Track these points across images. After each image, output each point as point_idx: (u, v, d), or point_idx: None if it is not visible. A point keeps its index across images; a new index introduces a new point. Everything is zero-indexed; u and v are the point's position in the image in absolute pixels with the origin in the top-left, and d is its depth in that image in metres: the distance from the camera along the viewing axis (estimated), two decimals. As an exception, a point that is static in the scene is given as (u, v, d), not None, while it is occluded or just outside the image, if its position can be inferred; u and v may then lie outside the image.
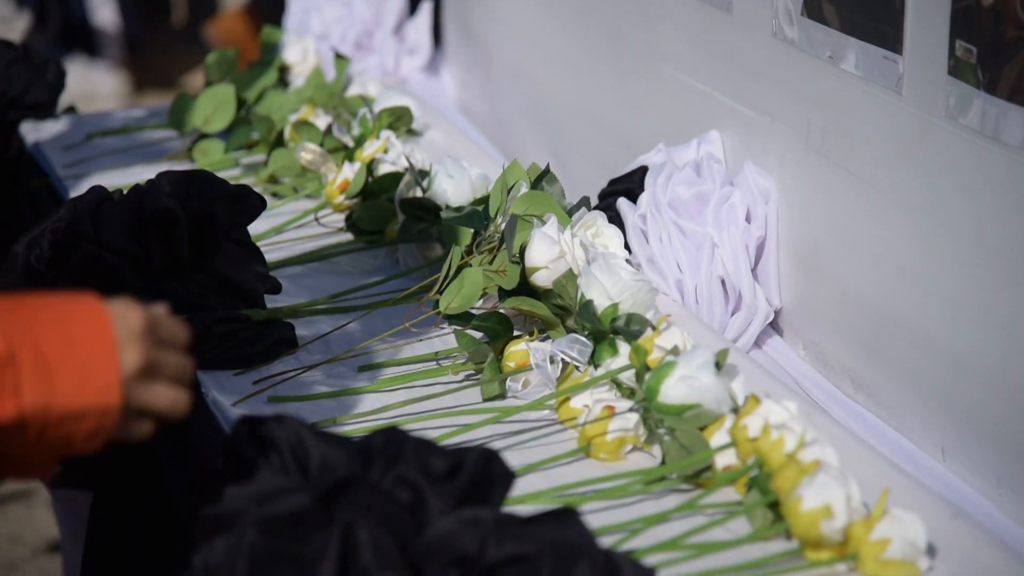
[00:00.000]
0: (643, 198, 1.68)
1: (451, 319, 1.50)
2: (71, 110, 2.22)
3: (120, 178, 1.98)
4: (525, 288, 1.52)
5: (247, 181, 1.93)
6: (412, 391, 1.47)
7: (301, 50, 2.19)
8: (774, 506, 1.22)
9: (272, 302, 1.60)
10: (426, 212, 1.69)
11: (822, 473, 1.18)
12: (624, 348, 1.40)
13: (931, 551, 1.19)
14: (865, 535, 1.17)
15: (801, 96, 1.57)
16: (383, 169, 1.83)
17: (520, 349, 1.47)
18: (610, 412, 1.34)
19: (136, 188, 1.58)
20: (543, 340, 1.48)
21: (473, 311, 1.51)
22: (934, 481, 1.37)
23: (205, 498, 0.95)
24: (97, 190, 1.57)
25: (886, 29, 1.42)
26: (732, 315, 1.64)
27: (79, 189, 1.75)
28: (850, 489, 1.18)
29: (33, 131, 2.15)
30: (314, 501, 0.93)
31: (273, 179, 1.96)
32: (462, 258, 1.53)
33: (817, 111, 1.55)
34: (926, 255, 1.41)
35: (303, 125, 1.95)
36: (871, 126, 1.47)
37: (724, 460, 1.29)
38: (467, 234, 1.60)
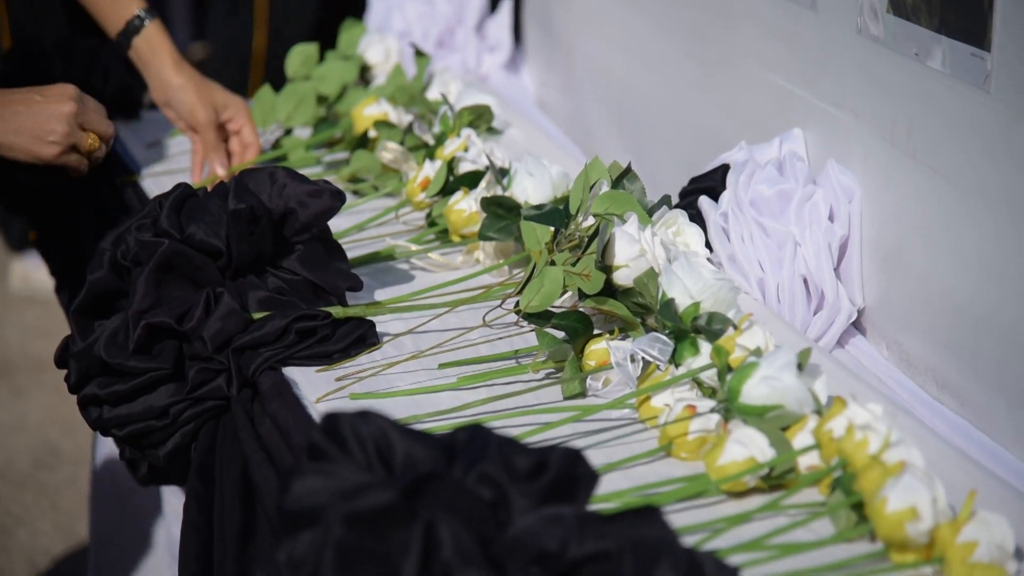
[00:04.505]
0: (725, 196, 1.67)
1: (531, 317, 1.50)
2: (155, 107, 2.24)
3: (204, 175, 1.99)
4: (605, 287, 1.51)
5: (329, 179, 1.94)
6: (492, 389, 1.47)
7: (384, 50, 2.19)
8: (858, 507, 1.21)
9: (353, 299, 1.61)
10: (506, 210, 1.69)
11: (907, 474, 1.17)
12: (705, 347, 1.40)
13: (1019, 554, 1.18)
14: (952, 538, 1.16)
15: (886, 94, 1.56)
16: (464, 167, 1.83)
17: (600, 348, 1.46)
18: (691, 412, 1.33)
19: (219, 185, 1.59)
20: (623, 339, 1.48)
21: (553, 309, 1.51)
22: (1022, 483, 1.35)
23: (290, 493, 0.96)
24: (182, 187, 1.59)
25: (974, 26, 1.40)
26: (814, 314, 1.63)
27: (164, 186, 1.77)
28: (936, 491, 1.17)
29: (119, 127, 2.17)
30: (399, 497, 0.93)
31: (354, 177, 1.97)
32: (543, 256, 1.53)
33: (902, 109, 1.53)
34: (1013, 254, 1.39)
35: (383, 125, 1.95)
36: (958, 124, 1.45)
37: (807, 461, 1.28)
38: (548, 232, 1.59)
